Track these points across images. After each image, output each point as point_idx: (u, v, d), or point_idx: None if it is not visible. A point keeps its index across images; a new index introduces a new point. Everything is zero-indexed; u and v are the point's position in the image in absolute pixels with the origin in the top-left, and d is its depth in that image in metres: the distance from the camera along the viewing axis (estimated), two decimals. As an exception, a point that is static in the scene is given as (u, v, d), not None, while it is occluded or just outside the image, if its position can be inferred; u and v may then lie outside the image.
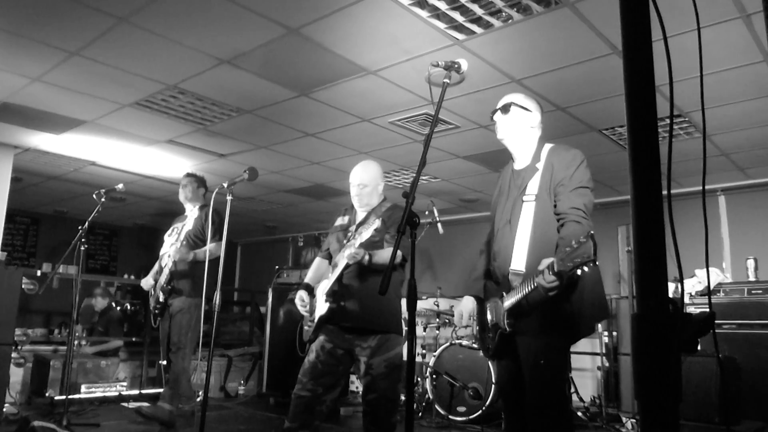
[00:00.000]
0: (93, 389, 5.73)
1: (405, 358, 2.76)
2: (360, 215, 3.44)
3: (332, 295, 3.15)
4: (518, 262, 2.43)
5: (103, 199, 4.54)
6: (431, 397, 5.29)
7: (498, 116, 2.64)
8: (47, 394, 5.46)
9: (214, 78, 4.10)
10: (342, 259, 3.06)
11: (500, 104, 2.65)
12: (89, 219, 4.46)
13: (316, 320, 3.19)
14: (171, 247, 4.54)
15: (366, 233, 2.94)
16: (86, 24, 3.39)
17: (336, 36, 3.47)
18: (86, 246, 4.41)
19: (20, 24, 3.42)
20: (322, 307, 3.16)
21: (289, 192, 7.48)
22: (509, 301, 2.41)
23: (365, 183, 3.37)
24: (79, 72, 4.05)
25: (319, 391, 3.16)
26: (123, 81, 4.18)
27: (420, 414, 5.36)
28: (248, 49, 3.67)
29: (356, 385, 7.36)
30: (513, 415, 2.61)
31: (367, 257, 3.01)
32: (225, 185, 3.43)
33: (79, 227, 4.41)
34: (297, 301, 3.30)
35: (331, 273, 3.20)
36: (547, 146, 2.60)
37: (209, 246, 4.47)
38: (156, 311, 4.59)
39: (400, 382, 3.19)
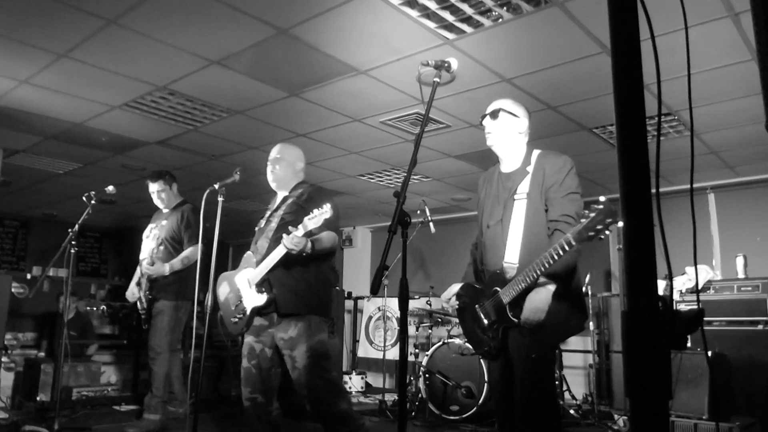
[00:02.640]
0: (84, 393, 5.69)
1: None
2: (278, 199, 3.38)
3: (262, 284, 3.05)
4: (512, 255, 2.48)
5: (93, 202, 4.51)
6: (424, 396, 5.30)
7: (487, 121, 2.67)
8: (38, 399, 5.42)
9: (204, 79, 4.08)
10: (279, 248, 2.93)
11: (489, 110, 2.68)
12: (79, 221, 4.43)
13: (248, 311, 3.05)
14: (147, 254, 4.47)
15: (311, 223, 2.82)
16: (75, 26, 3.36)
17: (326, 36, 3.47)
18: (76, 249, 4.38)
19: (8, 26, 3.39)
20: (254, 298, 3.04)
21: (281, 193, 7.46)
22: (510, 292, 2.41)
23: (281, 155, 3.33)
24: (67, 74, 4.02)
25: (258, 399, 3.08)
26: (112, 82, 4.15)
27: (413, 413, 5.37)
28: (238, 50, 3.66)
29: (349, 384, 7.36)
30: (505, 412, 2.63)
31: (309, 245, 2.93)
32: (216, 186, 3.42)
33: (69, 230, 4.38)
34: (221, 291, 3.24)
35: (261, 261, 3.08)
36: (536, 151, 2.64)
37: (186, 252, 4.42)
38: (143, 317, 4.54)
39: (331, 371, 3.09)
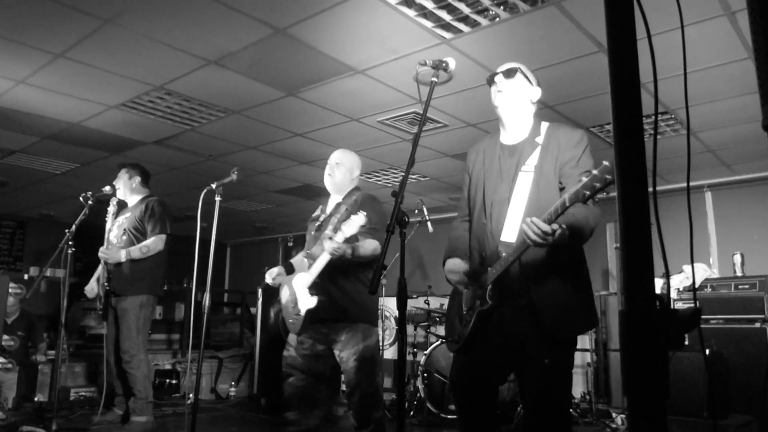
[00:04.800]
0: (82, 393, 5.69)
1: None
2: (331, 204, 3.47)
3: (315, 287, 3.13)
4: (509, 233, 2.19)
5: (90, 202, 4.49)
6: (422, 395, 5.30)
7: (499, 79, 2.36)
8: (36, 399, 5.40)
9: (201, 79, 4.08)
10: (324, 254, 3.03)
11: (504, 68, 2.40)
12: (76, 222, 4.42)
13: (303, 313, 3.15)
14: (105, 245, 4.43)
15: (348, 229, 2.91)
16: (71, 25, 3.36)
17: (323, 35, 3.47)
18: (74, 249, 4.36)
19: (4, 26, 3.38)
20: (308, 300, 3.13)
21: (279, 192, 7.47)
22: (496, 270, 2.15)
23: (340, 161, 3.48)
24: (64, 74, 4.01)
25: (298, 381, 3.27)
26: (109, 82, 4.14)
27: (411, 412, 5.37)
28: (235, 50, 3.65)
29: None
30: (471, 418, 2.31)
31: (349, 251, 3.02)
32: (213, 186, 3.43)
33: (66, 230, 4.37)
34: (271, 275, 3.40)
35: (312, 266, 3.16)
36: (545, 123, 2.38)
37: (147, 242, 4.36)
38: (100, 312, 4.45)
39: (377, 376, 3.21)
